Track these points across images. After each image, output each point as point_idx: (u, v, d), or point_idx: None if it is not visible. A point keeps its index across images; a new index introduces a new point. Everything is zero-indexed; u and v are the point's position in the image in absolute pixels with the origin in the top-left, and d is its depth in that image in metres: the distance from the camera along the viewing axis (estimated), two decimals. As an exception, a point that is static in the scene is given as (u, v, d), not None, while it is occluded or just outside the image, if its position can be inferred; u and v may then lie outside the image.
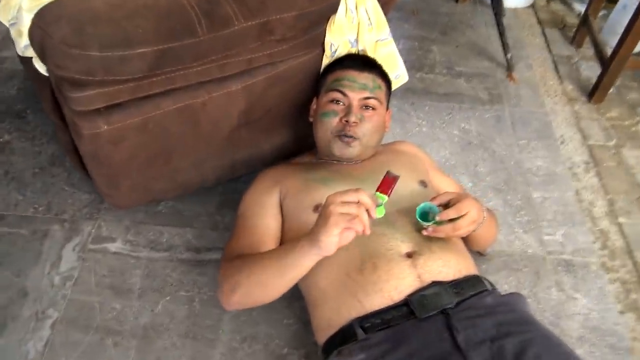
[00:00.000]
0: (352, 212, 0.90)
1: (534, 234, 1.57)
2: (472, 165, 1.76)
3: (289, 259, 1.03)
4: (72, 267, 1.40)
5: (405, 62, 2.09)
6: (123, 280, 1.39)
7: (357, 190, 0.92)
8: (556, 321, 1.39)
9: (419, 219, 1.08)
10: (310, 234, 0.97)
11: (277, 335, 1.31)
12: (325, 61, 1.36)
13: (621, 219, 1.64)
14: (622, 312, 1.41)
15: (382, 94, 1.32)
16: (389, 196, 0.98)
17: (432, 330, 1.00)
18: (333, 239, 0.92)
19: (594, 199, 1.69)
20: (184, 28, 1.07)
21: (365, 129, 1.26)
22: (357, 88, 1.26)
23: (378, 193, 0.97)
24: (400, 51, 2.14)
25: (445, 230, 1.07)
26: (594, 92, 2.01)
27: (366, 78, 1.28)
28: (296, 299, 1.33)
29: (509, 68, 2.10)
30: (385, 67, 1.40)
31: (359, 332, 1.02)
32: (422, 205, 1.09)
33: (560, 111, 1.99)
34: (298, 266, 1.02)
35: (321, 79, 1.35)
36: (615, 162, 1.82)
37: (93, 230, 1.49)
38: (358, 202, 0.91)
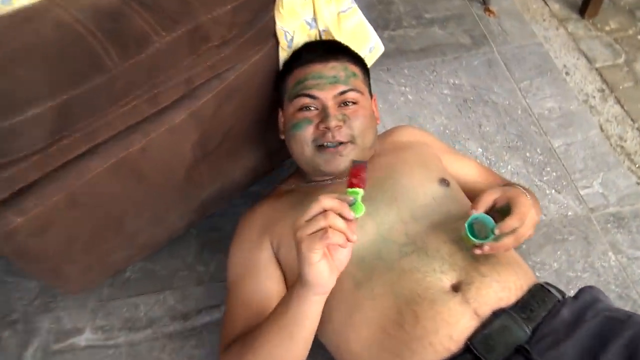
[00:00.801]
0: (320, 226, 0.68)
1: (568, 191, 1.34)
2: (475, 126, 1.50)
3: (290, 317, 0.78)
4: (39, 381, 1.13)
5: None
6: (105, 381, 1.12)
7: (319, 200, 0.69)
8: (625, 292, 1.18)
9: (471, 237, 0.82)
10: (298, 277, 0.74)
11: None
12: (283, 54, 1.06)
13: (659, 147, 1.42)
14: (695, 260, 1.20)
15: (359, 81, 1.03)
16: (364, 188, 0.74)
17: None
18: (319, 267, 0.70)
19: (622, 132, 1.46)
20: (88, 65, 0.77)
21: (354, 128, 0.98)
22: (328, 84, 0.98)
23: (349, 190, 0.73)
24: (357, 11, 1.83)
25: (506, 244, 0.81)
26: (585, 6, 1.75)
27: (334, 68, 1.00)
28: (317, 347, 1.08)
29: (485, 1, 1.82)
30: (356, 43, 1.13)
31: None
32: (469, 219, 0.83)
33: (555, 37, 1.73)
34: (304, 318, 0.78)
35: (280, 85, 1.07)
36: (632, 81, 1.58)
37: (53, 326, 1.20)
38: (324, 211, 0.68)
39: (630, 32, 1.71)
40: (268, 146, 1.22)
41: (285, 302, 0.79)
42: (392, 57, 1.69)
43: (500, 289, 0.83)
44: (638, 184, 1.34)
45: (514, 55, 1.67)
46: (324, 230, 0.67)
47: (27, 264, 0.95)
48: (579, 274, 1.21)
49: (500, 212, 0.84)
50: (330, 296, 0.80)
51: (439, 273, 0.84)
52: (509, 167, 1.40)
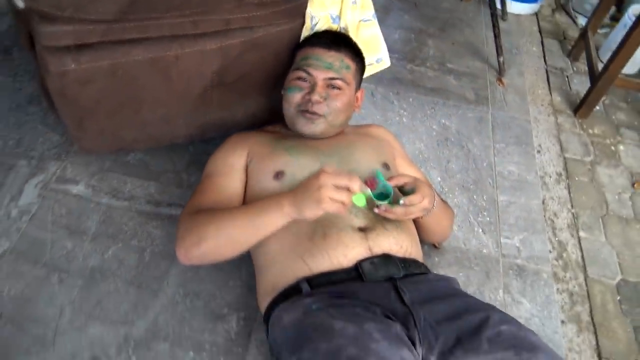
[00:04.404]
0: (343, 200, 0.97)
1: (492, 235, 1.59)
2: (444, 161, 1.76)
3: (267, 218, 1.05)
4: (31, 203, 1.42)
5: (398, 52, 2.11)
6: (79, 223, 1.41)
7: (350, 176, 0.98)
8: (497, 321, 1.41)
9: (373, 197, 1.09)
10: (295, 202, 1.01)
11: (219, 295, 1.33)
12: (305, 33, 1.36)
13: (582, 234, 1.65)
14: (563, 322, 1.43)
15: (349, 74, 1.30)
16: (373, 191, 1.05)
17: (380, 290, 1.04)
18: (319, 214, 0.99)
19: (558, 210, 1.70)
20: (161, -23, 1.08)
21: (331, 107, 1.26)
22: (323, 67, 1.26)
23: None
24: (395, 41, 2.16)
25: (397, 212, 1.09)
26: (580, 107, 2.01)
27: (332, 57, 1.27)
28: (244, 263, 1.36)
29: (500, 72, 2.10)
30: (367, 50, 1.40)
31: (305, 286, 1.06)
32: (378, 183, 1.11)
33: (544, 121, 1.99)
34: (274, 225, 1.05)
35: (294, 54, 1.36)
36: (588, 177, 1.83)
37: (58, 171, 1.51)
38: (348, 188, 0.97)
39: (607, 141, 1.96)
40: (271, 102, 1.51)
41: (267, 205, 1.06)
42: (405, 85, 1.99)
43: (394, 243, 1.12)
44: (550, 252, 1.58)
45: (503, 121, 1.94)
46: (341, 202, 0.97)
47: (63, 104, 1.26)
48: (468, 294, 1.45)
49: (405, 192, 1.12)
50: None
51: (353, 215, 1.12)
52: (455, 200, 1.65)
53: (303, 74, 1.27)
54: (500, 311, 1.04)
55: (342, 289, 1.04)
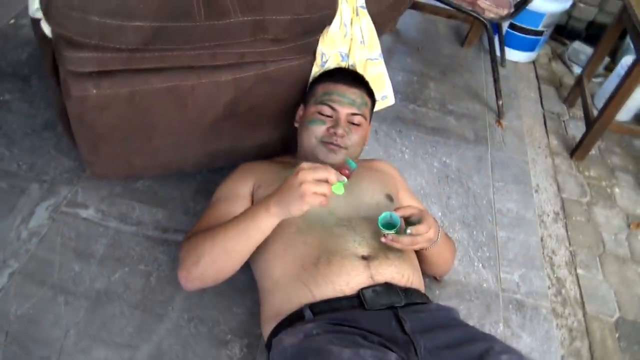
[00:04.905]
0: (324, 193, 1.00)
1: (492, 270, 1.61)
2: (445, 197, 1.81)
3: (256, 222, 1.08)
4: (42, 225, 1.45)
5: (401, 92, 2.19)
6: (87, 246, 1.43)
7: (327, 168, 1.01)
8: (497, 355, 1.42)
9: (380, 226, 1.13)
10: (280, 201, 1.05)
11: (223, 321, 1.34)
12: (315, 69, 1.42)
13: (580, 271, 1.68)
14: (563, 357, 1.44)
15: (367, 110, 1.38)
16: (348, 179, 1.07)
17: (381, 318, 1.06)
18: (304, 209, 1.02)
19: (556, 248, 1.73)
20: (183, 11, 1.15)
21: (352, 141, 1.33)
22: (346, 103, 1.33)
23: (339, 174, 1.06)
24: (399, 82, 2.24)
25: (403, 241, 1.12)
26: (576, 150, 2.07)
27: (354, 94, 1.35)
28: (248, 289, 1.38)
29: (499, 114, 2.17)
30: (373, 86, 1.47)
31: (307, 313, 1.08)
32: (385, 214, 1.14)
33: (541, 162, 2.05)
34: (264, 228, 1.09)
35: (310, 88, 1.42)
36: (585, 217, 1.87)
37: (69, 195, 1.54)
38: (326, 180, 1.01)
39: (603, 183, 2.02)
40: (281, 133, 1.56)
41: (254, 210, 1.10)
42: (407, 124, 2.05)
43: (396, 272, 1.14)
44: (549, 288, 1.60)
45: (502, 161, 1.99)
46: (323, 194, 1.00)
47: (80, 129, 1.31)
48: (468, 327, 1.46)
49: (410, 223, 1.16)
50: (276, 234, 1.13)
51: (357, 244, 1.16)
52: (456, 235, 1.69)
53: (327, 109, 1.33)
54: (502, 342, 1.06)
55: (343, 316, 1.06)
